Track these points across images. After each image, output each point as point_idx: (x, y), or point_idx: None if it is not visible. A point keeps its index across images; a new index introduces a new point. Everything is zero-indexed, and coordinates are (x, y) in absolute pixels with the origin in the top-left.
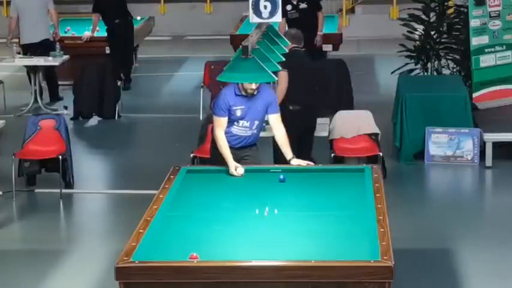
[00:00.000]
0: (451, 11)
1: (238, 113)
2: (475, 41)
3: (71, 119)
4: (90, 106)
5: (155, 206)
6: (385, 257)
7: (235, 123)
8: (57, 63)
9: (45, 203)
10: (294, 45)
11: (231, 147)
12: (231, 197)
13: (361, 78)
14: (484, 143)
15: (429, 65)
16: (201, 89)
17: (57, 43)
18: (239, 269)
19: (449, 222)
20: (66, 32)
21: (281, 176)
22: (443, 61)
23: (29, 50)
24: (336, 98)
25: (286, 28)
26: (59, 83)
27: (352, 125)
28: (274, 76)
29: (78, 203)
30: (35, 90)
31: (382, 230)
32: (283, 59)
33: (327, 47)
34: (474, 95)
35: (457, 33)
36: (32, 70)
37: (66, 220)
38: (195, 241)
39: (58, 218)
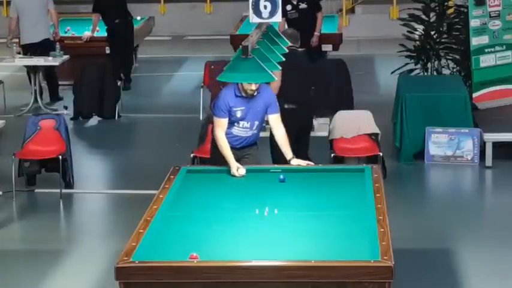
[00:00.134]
0: (451, 11)
1: (239, 114)
2: (475, 41)
3: (71, 119)
4: (90, 106)
5: (155, 206)
6: (385, 257)
7: (236, 124)
8: (57, 63)
9: (45, 203)
10: (290, 44)
11: (231, 147)
12: (231, 197)
13: (361, 78)
14: (484, 143)
15: (429, 65)
16: (201, 89)
17: (57, 43)
18: (239, 269)
19: (449, 222)
20: (66, 32)
21: (281, 176)
22: (443, 61)
23: (29, 50)
24: (336, 98)
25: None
26: (59, 83)
27: (352, 125)
28: (274, 76)
29: (78, 203)
30: (35, 90)
31: (382, 230)
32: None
33: (327, 47)
34: (474, 95)
35: (457, 33)
36: (32, 70)
37: (66, 220)
38: (195, 241)
39: (58, 218)
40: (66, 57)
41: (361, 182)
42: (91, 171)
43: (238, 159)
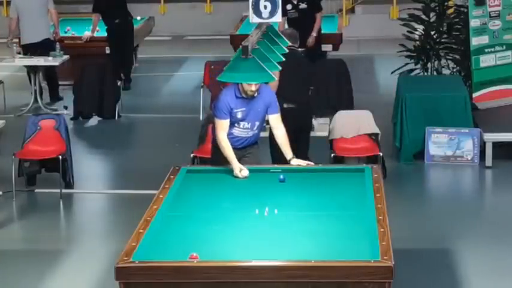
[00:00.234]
0: (451, 11)
1: (239, 115)
2: (475, 41)
3: (71, 119)
4: (90, 106)
5: (155, 206)
6: (385, 257)
7: (236, 125)
8: (57, 63)
9: (45, 203)
10: (290, 44)
11: (233, 148)
12: (231, 197)
13: (361, 78)
14: (484, 143)
15: (429, 65)
16: (201, 89)
17: (57, 43)
18: (239, 269)
19: (449, 222)
20: (66, 32)
21: (281, 176)
22: (443, 61)
23: (29, 50)
24: (336, 98)
25: (286, 27)
26: (59, 83)
27: (352, 125)
28: (274, 76)
29: (78, 203)
30: (35, 90)
31: (382, 230)
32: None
33: (327, 47)
34: (474, 95)
35: (457, 33)
36: (32, 70)
37: (66, 220)
38: (195, 241)
39: (58, 218)
40: (66, 57)
41: (361, 182)
42: (91, 171)
43: (239, 159)
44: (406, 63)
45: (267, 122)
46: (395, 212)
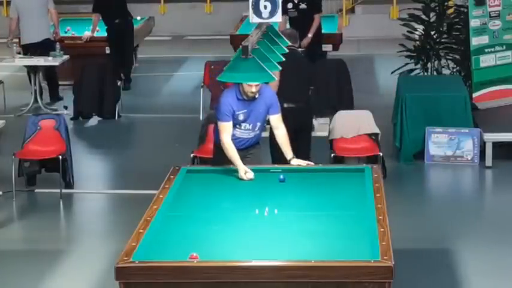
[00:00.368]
0: (451, 11)
1: (241, 117)
2: (475, 41)
3: (71, 119)
4: (90, 106)
5: (155, 206)
6: (385, 257)
7: (238, 126)
8: (57, 63)
9: (45, 203)
10: (290, 44)
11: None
12: (231, 197)
13: (361, 78)
14: (484, 143)
15: (429, 65)
16: (201, 89)
17: (57, 43)
18: (239, 269)
19: (449, 222)
20: (66, 32)
21: (281, 176)
22: (443, 61)
23: (29, 50)
24: (336, 98)
25: (287, 26)
26: (59, 83)
27: (352, 125)
28: (274, 76)
29: (78, 203)
30: (35, 90)
31: (382, 230)
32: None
33: (327, 47)
34: (474, 95)
35: (457, 33)
36: (32, 70)
37: (66, 220)
38: (195, 241)
39: (58, 218)
40: (66, 57)
41: (361, 182)
42: (91, 171)
43: (241, 159)
44: (406, 63)
45: (268, 122)
46: (395, 212)
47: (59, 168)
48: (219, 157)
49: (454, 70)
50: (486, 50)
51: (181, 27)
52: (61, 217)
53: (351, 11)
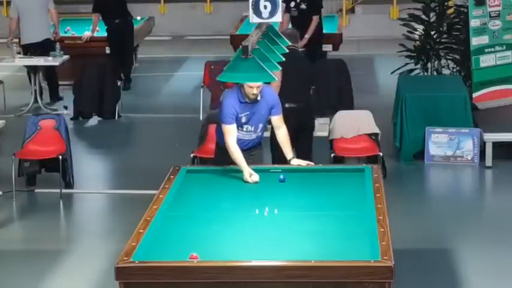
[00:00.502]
0: (451, 11)
1: (243, 120)
2: (475, 41)
3: (71, 119)
4: (90, 106)
5: (155, 206)
6: (385, 257)
7: (240, 128)
8: (57, 63)
9: (45, 203)
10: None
11: None
12: (231, 197)
13: (361, 78)
14: (484, 143)
15: (429, 65)
16: (201, 89)
17: (57, 43)
18: (239, 269)
19: (449, 222)
20: (66, 32)
21: (281, 176)
22: (443, 61)
23: (29, 50)
24: (336, 98)
25: (290, 25)
26: (59, 83)
27: (352, 125)
28: (274, 76)
29: (78, 203)
30: (35, 90)
31: (382, 230)
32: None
33: (327, 47)
34: (474, 95)
35: (457, 33)
36: (32, 70)
37: (66, 220)
38: (195, 241)
39: (58, 218)
40: (66, 57)
41: (361, 182)
42: (91, 171)
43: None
44: (406, 63)
45: (269, 122)
46: (395, 212)
47: (59, 168)
48: (221, 157)
49: (454, 70)
50: (486, 50)
51: (181, 27)
52: (61, 217)
53: (351, 11)
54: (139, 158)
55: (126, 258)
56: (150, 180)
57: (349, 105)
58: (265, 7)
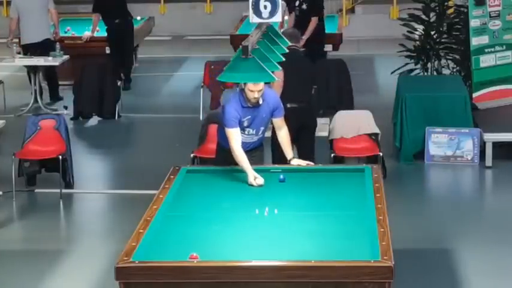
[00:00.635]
0: (451, 11)
1: (245, 124)
2: (475, 41)
3: (71, 119)
4: (90, 106)
5: (155, 206)
6: (385, 257)
7: (241, 131)
8: (57, 63)
9: (45, 203)
10: (291, 44)
11: None
12: (231, 197)
13: (361, 78)
14: (484, 143)
15: (429, 65)
16: (201, 89)
17: (57, 43)
18: (239, 269)
19: (449, 222)
20: (66, 32)
21: (281, 176)
22: (443, 61)
23: (29, 50)
24: (336, 98)
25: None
26: (59, 83)
27: (352, 125)
28: (274, 76)
29: (78, 203)
30: (35, 90)
31: (382, 230)
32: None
33: (327, 47)
34: (474, 95)
35: (457, 33)
36: (32, 70)
37: (66, 220)
38: (195, 241)
39: (58, 218)
40: (66, 57)
41: (361, 182)
42: (91, 171)
43: None
44: (406, 63)
45: (271, 122)
46: (395, 212)
47: (59, 168)
48: (222, 157)
49: (454, 70)
50: (486, 50)
51: (181, 27)
52: (61, 217)
53: (351, 11)
54: (139, 158)
55: (126, 258)
56: (150, 180)
57: (349, 105)
58: (265, 7)
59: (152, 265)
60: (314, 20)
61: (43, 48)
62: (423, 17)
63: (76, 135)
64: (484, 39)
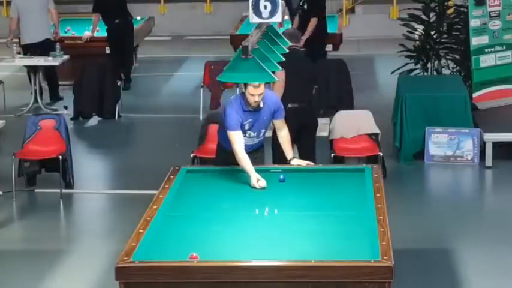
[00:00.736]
0: (451, 11)
1: (246, 127)
2: (475, 41)
3: (71, 119)
4: (90, 106)
5: (155, 206)
6: (385, 257)
7: (243, 134)
8: (57, 63)
9: (45, 203)
10: (291, 44)
11: None
12: (231, 197)
13: (361, 78)
14: (484, 143)
15: (429, 65)
16: (201, 89)
17: (57, 43)
18: (239, 269)
19: (449, 222)
20: (66, 32)
21: (281, 176)
22: (443, 61)
23: (29, 50)
24: (336, 98)
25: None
26: (59, 83)
27: (352, 125)
28: (274, 76)
29: (78, 203)
30: (35, 90)
31: (382, 230)
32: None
33: (327, 47)
34: (474, 95)
35: (457, 33)
36: (32, 70)
37: (66, 220)
38: (195, 241)
39: (58, 218)
40: (66, 57)
41: (361, 182)
42: (91, 171)
43: None
44: (406, 63)
45: (271, 123)
46: (395, 212)
47: (59, 168)
48: (222, 158)
49: (454, 70)
50: (486, 50)
51: (181, 27)
52: (61, 217)
53: (351, 11)
54: (139, 158)
55: (126, 258)
56: (150, 180)
57: (349, 105)
58: (265, 7)
59: (152, 265)
60: (313, 21)
61: (43, 48)
62: (423, 17)
63: (76, 135)
64: (484, 39)
